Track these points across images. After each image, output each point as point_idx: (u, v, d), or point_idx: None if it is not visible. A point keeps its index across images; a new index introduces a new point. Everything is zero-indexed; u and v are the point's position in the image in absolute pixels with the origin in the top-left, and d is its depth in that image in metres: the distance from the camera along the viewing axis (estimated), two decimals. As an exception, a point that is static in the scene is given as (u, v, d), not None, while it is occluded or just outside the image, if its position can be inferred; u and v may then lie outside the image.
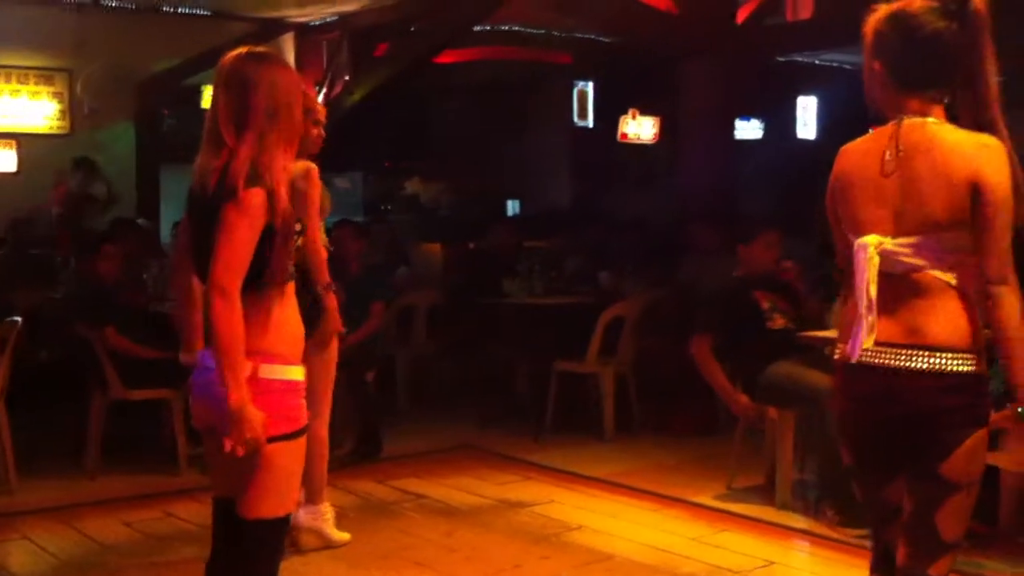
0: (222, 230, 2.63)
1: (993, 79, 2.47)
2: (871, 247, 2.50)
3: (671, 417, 6.89)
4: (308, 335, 4.09)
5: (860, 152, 2.60)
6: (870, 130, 2.62)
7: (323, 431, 4.54)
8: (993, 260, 2.44)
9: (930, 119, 2.50)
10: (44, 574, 4.47)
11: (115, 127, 10.58)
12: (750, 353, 5.42)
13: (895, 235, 2.49)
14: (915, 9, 2.50)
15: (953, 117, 2.50)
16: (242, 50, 2.79)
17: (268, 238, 2.67)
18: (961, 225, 2.44)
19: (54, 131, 10.43)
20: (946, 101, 2.51)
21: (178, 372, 5.93)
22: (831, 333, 4.59)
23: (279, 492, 2.75)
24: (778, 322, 5.55)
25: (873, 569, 2.72)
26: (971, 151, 2.42)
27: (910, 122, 2.50)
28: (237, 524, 2.77)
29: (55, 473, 5.85)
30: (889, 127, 2.54)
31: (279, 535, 2.84)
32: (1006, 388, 4.32)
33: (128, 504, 5.33)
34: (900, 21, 2.51)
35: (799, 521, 4.99)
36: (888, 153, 2.50)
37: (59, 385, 6.36)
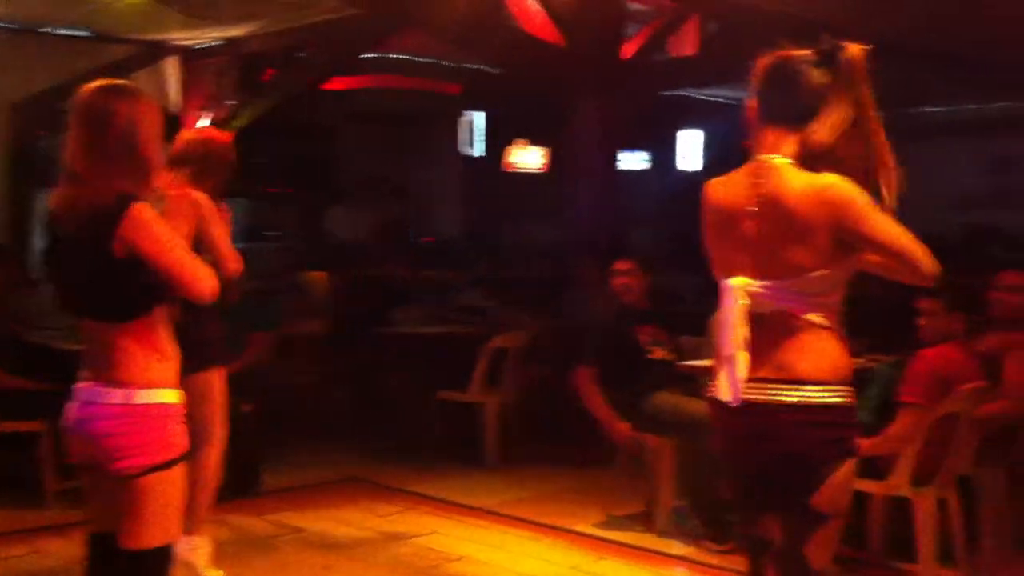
0: (157, 250, 2.63)
1: (873, 114, 2.56)
2: (739, 288, 2.56)
3: (553, 447, 6.92)
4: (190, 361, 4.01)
5: (723, 193, 2.67)
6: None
7: (213, 460, 4.44)
8: (916, 265, 2.51)
9: (780, 160, 2.57)
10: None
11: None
12: (631, 383, 5.49)
13: (759, 277, 2.56)
14: (792, 55, 2.63)
15: (811, 152, 2.56)
16: (101, 83, 2.78)
17: (136, 266, 2.64)
18: (825, 267, 2.51)
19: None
20: (800, 133, 2.57)
21: (48, 404, 5.76)
22: (708, 363, 4.68)
23: (161, 521, 2.73)
24: (658, 354, 5.67)
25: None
26: (819, 199, 2.49)
27: (767, 165, 2.57)
28: (118, 558, 2.73)
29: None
30: (748, 168, 2.62)
31: (163, 565, 2.80)
32: (872, 418, 4.48)
33: (-7, 541, 5.13)
34: (776, 64, 2.64)
35: (678, 548, 5.05)
36: (748, 199, 2.58)
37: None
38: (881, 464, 4.40)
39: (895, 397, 4.43)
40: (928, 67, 10.56)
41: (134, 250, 2.64)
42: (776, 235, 2.54)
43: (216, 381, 4.42)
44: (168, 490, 2.72)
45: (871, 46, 2.59)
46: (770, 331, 2.57)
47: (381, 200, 14.35)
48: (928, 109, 14.04)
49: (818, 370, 2.53)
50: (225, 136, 4.54)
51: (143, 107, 2.77)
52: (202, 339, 4.30)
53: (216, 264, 4.05)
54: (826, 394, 2.52)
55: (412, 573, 4.72)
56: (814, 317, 2.55)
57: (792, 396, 2.52)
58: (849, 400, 2.57)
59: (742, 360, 2.56)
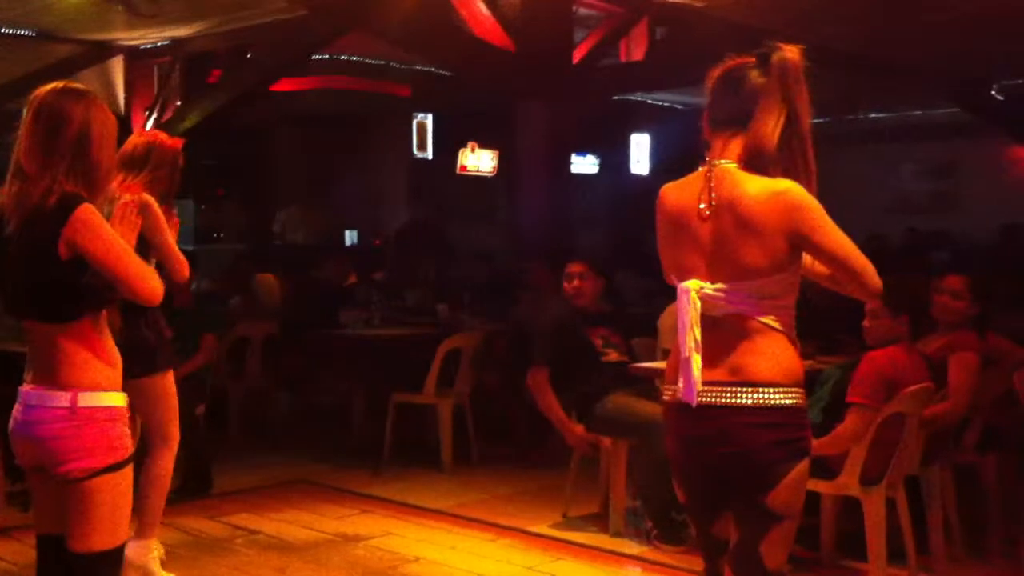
0: (102, 251, 2.63)
1: (805, 118, 2.62)
2: (692, 292, 2.60)
3: (507, 449, 6.95)
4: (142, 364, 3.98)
5: (677, 196, 2.71)
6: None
7: (167, 463, 4.41)
8: (863, 281, 2.57)
9: (732, 165, 2.62)
10: None
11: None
12: (585, 385, 5.53)
13: (712, 280, 2.60)
14: (737, 62, 2.69)
15: (754, 154, 2.60)
16: (59, 84, 2.78)
17: (79, 267, 2.65)
18: (777, 271, 2.56)
19: None
20: (743, 136, 2.62)
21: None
22: (660, 365, 4.74)
23: (109, 524, 2.72)
24: (612, 356, 5.72)
25: (707, 593, 2.81)
26: (774, 203, 2.53)
27: (719, 169, 2.62)
28: (67, 560, 2.73)
29: None
30: (701, 171, 2.67)
31: (113, 568, 2.79)
32: (822, 419, 4.56)
33: (-60, 545, 5.05)
34: (723, 71, 2.71)
35: (632, 548, 5.09)
36: (702, 203, 2.62)
37: None
38: (831, 464, 4.47)
39: (844, 398, 4.51)
40: (872, 73, 10.76)
41: (79, 250, 2.63)
42: (730, 238, 2.58)
43: (168, 383, 4.40)
44: (115, 493, 2.71)
45: (805, 48, 2.65)
46: (724, 334, 2.60)
47: (326, 202, 14.30)
48: (873, 115, 14.29)
49: (772, 372, 2.57)
50: (175, 141, 4.52)
51: (98, 111, 2.77)
52: (152, 342, 4.29)
53: (165, 268, 4.05)
54: (779, 396, 2.57)
55: (368, 574, 4.72)
56: (768, 320, 2.60)
57: (746, 399, 2.56)
58: (802, 401, 2.62)
59: (696, 362, 2.59)
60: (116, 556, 2.76)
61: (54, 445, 2.66)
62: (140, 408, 4.27)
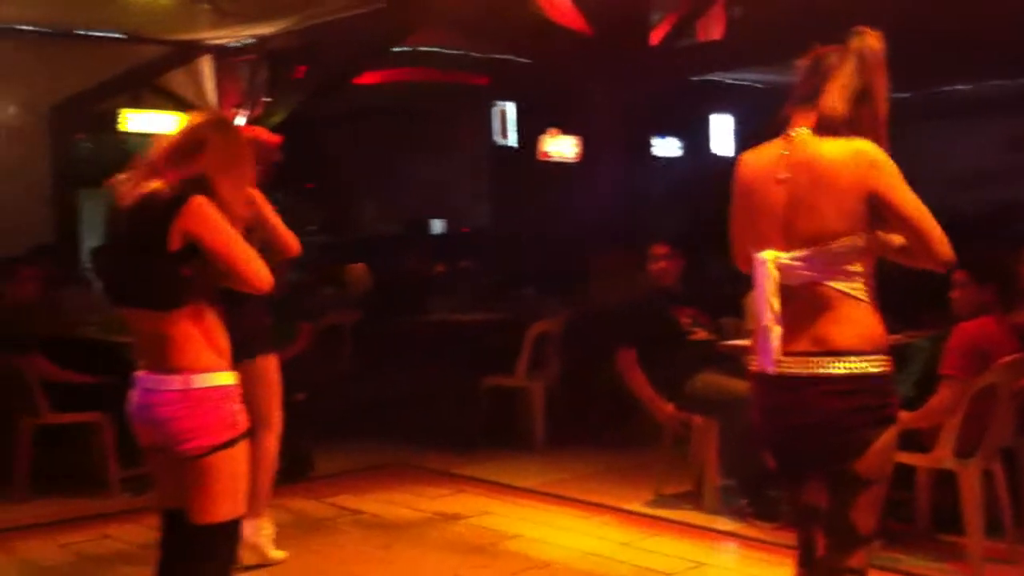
0: (217, 241, 2.77)
1: (881, 101, 2.68)
2: (769, 262, 2.65)
3: (593, 430, 7.05)
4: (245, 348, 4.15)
5: (755, 163, 2.77)
6: None
7: (272, 445, 4.59)
8: (934, 247, 2.60)
9: (807, 131, 2.68)
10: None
11: (29, 152, 10.41)
12: (674, 364, 5.60)
13: (788, 249, 2.64)
14: (822, 49, 2.75)
15: (827, 120, 2.66)
16: (211, 116, 3.01)
17: (186, 257, 2.79)
18: (852, 232, 2.60)
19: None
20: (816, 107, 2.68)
21: (105, 395, 5.94)
22: (748, 343, 4.79)
23: (227, 497, 2.86)
24: (700, 335, 5.78)
25: (800, 564, 2.87)
26: (853, 159, 2.59)
27: (798, 138, 2.68)
28: (188, 533, 2.86)
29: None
30: (780, 140, 2.73)
31: (231, 540, 2.93)
32: (915, 393, 4.57)
33: (62, 527, 5.30)
34: (809, 57, 2.77)
35: (726, 524, 5.16)
36: (779, 167, 2.68)
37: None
38: (925, 438, 4.49)
39: (935, 371, 4.51)
40: (951, 46, 10.58)
41: (193, 238, 2.76)
42: (806, 200, 2.61)
43: (271, 367, 4.57)
44: (232, 467, 2.85)
45: (885, 30, 2.69)
46: (803, 303, 2.64)
47: (412, 192, 14.48)
48: (951, 88, 14.03)
49: (854, 340, 2.61)
50: (273, 137, 4.69)
51: (239, 144, 2.98)
52: (254, 327, 4.48)
53: (274, 248, 4.24)
54: (864, 364, 2.60)
55: (469, 551, 4.86)
56: (845, 286, 2.62)
57: (831, 368, 2.60)
58: (887, 368, 2.65)
59: (776, 332, 2.63)
60: (234, 528, 2.91)
61: (172, 426, 2.81)
62: (243, 392, 4.45)
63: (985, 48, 10.80)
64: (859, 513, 2.67)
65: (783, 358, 2.63)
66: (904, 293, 5.56)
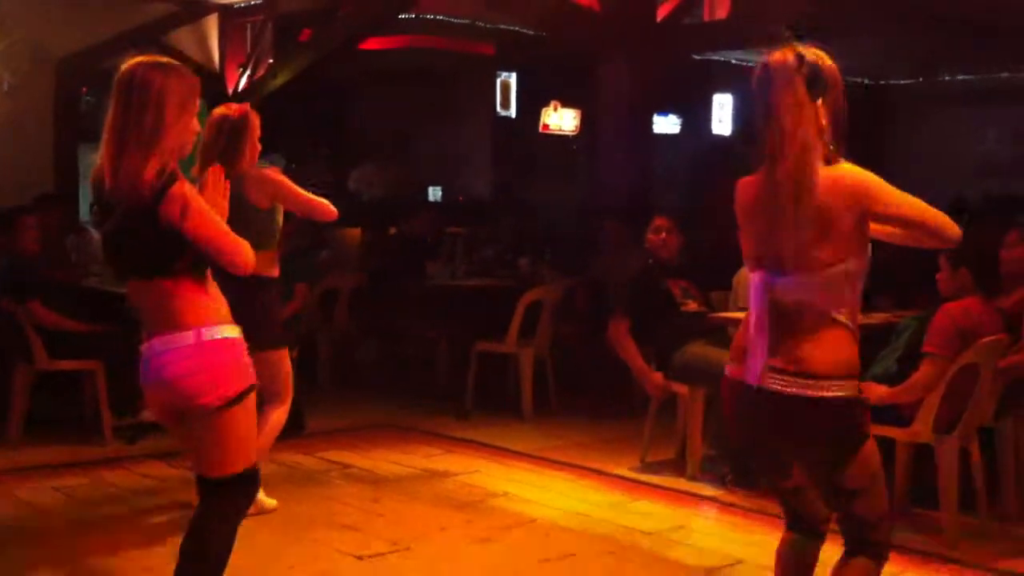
0: (197, 226, 2.80)
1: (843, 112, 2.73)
2: (765, 281, 2.75)
3: (585, 399, 7.15)
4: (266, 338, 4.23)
5: (750, 191, 2.82)
6: None
7: (275, 417, 4.61)
8: (940, 230, 2.69)
9: (791, 161, 2.67)
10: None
11: (32, 104, 10.45)
12: (664, 335, 5.70)
13: (783, 272, 2.72)
14: (773, 60, 2.74)
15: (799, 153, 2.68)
16: (141, 58, 2.91)
17: (179, 233, 2.82)
18: (846, 259, 2.68)
19: (-29, 106, 10.26)
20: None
21: (101, 344, 6.02)
22: (738, 315, 4.88)
23: (247, 445, 2.95)
24: (691, 306, 5.87)
25: (789, 527, 2.98)
26: (838, 188, 2.65)
27: (781, 167, 2.69)
28: (214, 487, 2.94)
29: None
30: (771, 167, 2.73)
31: (255, 484, 3.04)
32: (897, 368, 4.65)
33: (56, 472, 5.40)
34: (758, 72, 2.77)
35: (708, 490, 5.28)
36: (769, 195, 2.72)
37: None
38: (905, 412, 4.58)
39: (919, 349, 4.60)
40: (958, 34, 10.61)
41: (174, 226, 2.79)
42: (798, 229, 2.67)
43: (286, 359, 4.66)
44: (248, 416, 2.94)
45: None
46: (790, 323, 2.72)
47: (409, 159, 14.52)
48: (958, 77, 14.06)
49: (830, 365, 2.68)
50: (239, 108, 4.64)
51: (175, 79, 2.88)
52: (276, 319, 4.60)
53: (314, 214, 4.42)
54: (836, 388, 2.68)
55: (457, 507, 4.97)
56: (833, 313, 2.71)
57: (805, 390, 2.68)
58: (857, 393, 2.73)
59: (761, 347, 2.73)
60: (253, 475, 3.00)
61: (187, 383, 2.85)
62: (259, 377, 4.53)
63: (991, 36, 10.83)
64: (864, 508, 2.77)
65: (766, 373, 2.72)
66: (898, 276, 5.67)
